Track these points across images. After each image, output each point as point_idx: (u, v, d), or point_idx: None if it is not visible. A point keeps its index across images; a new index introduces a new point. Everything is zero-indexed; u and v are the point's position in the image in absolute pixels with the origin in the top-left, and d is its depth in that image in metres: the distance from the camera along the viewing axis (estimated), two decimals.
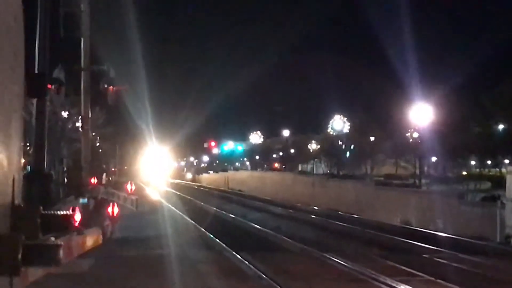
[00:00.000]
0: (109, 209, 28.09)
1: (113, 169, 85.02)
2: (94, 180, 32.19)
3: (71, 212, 5.96)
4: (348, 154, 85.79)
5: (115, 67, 27.27)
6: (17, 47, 4.98)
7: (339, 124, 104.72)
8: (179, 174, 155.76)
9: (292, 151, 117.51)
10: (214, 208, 50.83)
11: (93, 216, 27.97)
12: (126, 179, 78.07)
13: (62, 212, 5.84)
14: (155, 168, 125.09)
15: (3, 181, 4.43)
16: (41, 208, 5.06)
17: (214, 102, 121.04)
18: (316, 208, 52.23)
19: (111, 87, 26.42)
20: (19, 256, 3.97)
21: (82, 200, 29.41)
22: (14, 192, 4.65)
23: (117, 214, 28.15)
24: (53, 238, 4.87)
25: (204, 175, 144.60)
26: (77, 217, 11.08)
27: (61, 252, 4.46)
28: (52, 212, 5.53)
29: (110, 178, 68.98)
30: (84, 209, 27.26)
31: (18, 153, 5.01)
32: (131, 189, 40.67)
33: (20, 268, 4.06)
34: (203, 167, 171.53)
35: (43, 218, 4.87)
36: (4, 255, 3.90)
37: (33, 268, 4.53)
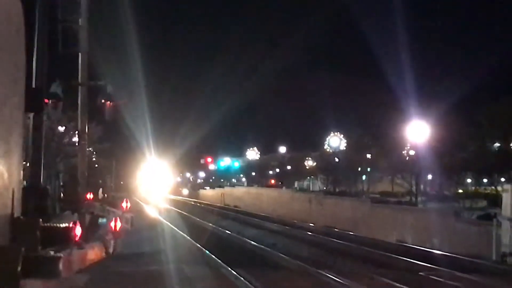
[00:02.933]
0: (112, 224, 28.11)
1: (111, 184, 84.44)
2: (90, 196, 32.05)
3: (71, 225, 5.98)
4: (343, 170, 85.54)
5: (114, 83, 27.26)
6: (18, 59, 5.01)
7: (335, 141, 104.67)
8: (176, 190, 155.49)
9: (289, 167, 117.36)
10: (211, 225, 50.77)
11: (89, 231, 27.94)
12: (122, 195, 77.70)
13: (62, 225, 5.86)
14: (153, 183, 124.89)
15: (3, 193, 4.45)
16: (41, 220, 5.07)
17: (212, 119, 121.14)
18: (313, 225, 52.16)
19: (109, 102, 26.35)
20: (19, 268, 3.98)
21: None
22: (13, 204, 4.66)
23: (119, 229, 28.13)
24: (52, 252, 4.89)
25: (201, 191, 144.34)
26: (78, 231, 11.05)
27: (60, 265, 4.48)
28: (52, 224, 5.55)
29: (105, 195, 68.56)
30: (81, 224, 27.25)
31: (17, 166, 5.02)
32: (126, 207, 40.33)
33: (19, 280, 4.06)
34: (199, 183, 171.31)
35: (42, 231, 4.87)
36: (3, 267, 3.90)
37: (31, 282, 4.53)
